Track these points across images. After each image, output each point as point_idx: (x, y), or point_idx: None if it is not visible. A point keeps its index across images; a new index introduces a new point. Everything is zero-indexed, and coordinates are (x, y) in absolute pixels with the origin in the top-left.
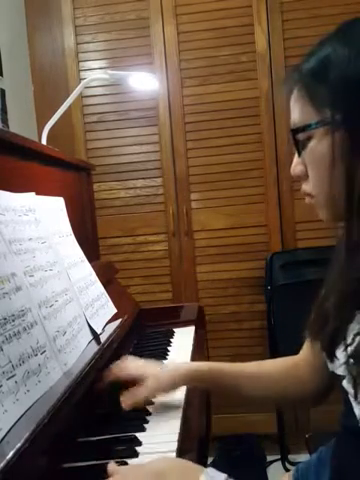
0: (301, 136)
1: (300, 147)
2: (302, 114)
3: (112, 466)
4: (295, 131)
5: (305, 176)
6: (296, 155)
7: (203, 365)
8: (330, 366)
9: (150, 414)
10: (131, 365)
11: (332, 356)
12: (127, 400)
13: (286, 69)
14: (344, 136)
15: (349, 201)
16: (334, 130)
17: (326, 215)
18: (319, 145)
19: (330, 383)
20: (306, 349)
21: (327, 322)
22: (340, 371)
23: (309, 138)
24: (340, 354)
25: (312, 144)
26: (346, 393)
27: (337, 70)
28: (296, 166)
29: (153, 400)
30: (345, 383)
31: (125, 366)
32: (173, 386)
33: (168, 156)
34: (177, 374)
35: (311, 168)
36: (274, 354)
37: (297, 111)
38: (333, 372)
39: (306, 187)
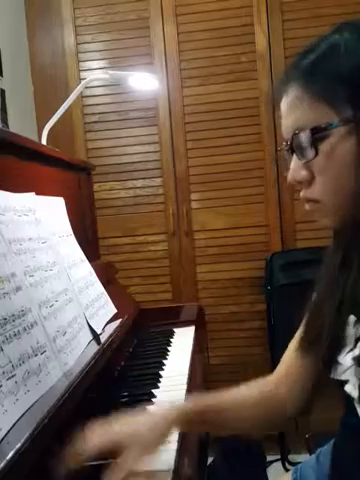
0: (311, 138)
1: (304, 150)
2: (314, 114)
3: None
4: (313, 131)
5: (308, 182)
6: (296, 159)
7: (189, 403)
8: (332, 373)
9: None
10: (97, 436)
11: (333, 363)
12: None
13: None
14: None
15: None
16: (359, 128)
17: (332, 221)
18: (340, 145)
19: (308, 398)
20: (282, 368)
21: (322, 332)
22: (343, 376)
23: (322, 139)
24: (343, 360)
25: (329, 145)
26: (348, 397)
27: (354, 66)
28: (298, 171)
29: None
30: (348, 387)
31: (88, 441)
32: (165, 438)
33: (168, 156)
34: (165, 419)
35: (324, 170)
36: (274, 354)
37: (304, 111)
38: (333, 378)
39: (309, 193)
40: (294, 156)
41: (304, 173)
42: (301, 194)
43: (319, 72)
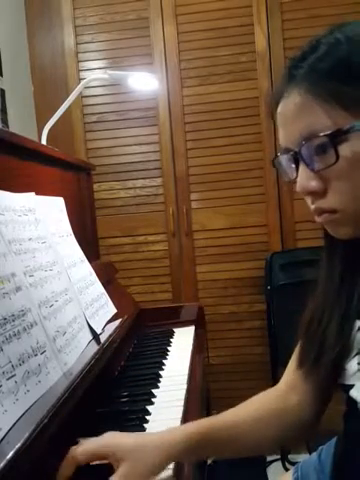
0: (330, 143)
1: (321, 157)
2: (328, 117)
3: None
4: (333, 135)
5: (322, 192)
6: (305, 169)
7: (193, 431)
8: (338, 379)
9: (150, 414)
10: (96, 443)
11: (340, 370)
12: None
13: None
14: None
15: None
16: None
17: (352, 231)
18: None
19: (321, 402)
20: (290, 375)
21: (324, 344)
22: (349, 381)
23: (341, 143)
24: (349, 365)
25: (349, 149)
26: (353, 401)
27: None
28: (309, 181)
29: None
30: (354, 392)
31: (86, 447)
32: (156, 470)
33: (168, 156)
34: (163, 452)
35: (345, 176)
36: (274, 354)
37: (316, 116)
38: (339, 383)
39: (323, 203)
40: (302, 165)
41: (315, 183)
42: (313, 206)
43: (325, 72)
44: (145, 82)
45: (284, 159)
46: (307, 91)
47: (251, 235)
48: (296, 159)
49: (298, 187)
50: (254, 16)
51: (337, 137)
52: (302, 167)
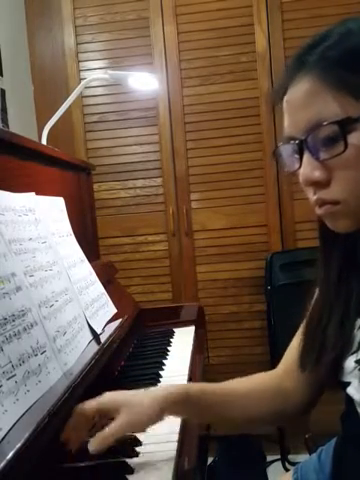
0: (339, 131)
1: (328, 145)
2: (338, 105)
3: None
4: (343, 123)
5: (326, 182)
6: (310, 158)
7: (188, 386)
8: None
9: None
10: (101, 398)
11: (339, 368)
12: (93, 442)
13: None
14: None
15: None
16: None
17: (351, 224)
18: None
19: (315, 392)
20: (287, 361)
21: (325, 344)
22: (346, 378)
23: (350, 132)
24: (346, 362)
25: (357, 137)
26: (350, 399)
27: None
28: (314, 171)
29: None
30: (351, 390)
31: (89, 403)
32: (153, 417)
33: (168, 156)
34: (157, 400)
35: (352, 166)
36: (274, 354)
37: (327, 103)
38: (338, 381)
39: (327, 194)
40: (306, 155)
41: (320, 173)
42: (315, 197)
43: (336, 60)
44: (145, 82)
45: (287, 149)
46: (318, 78)
47: (251, 235)
48: (301, 148)
49: (301, 177)
50: (254, 16)
51: (347, 125)
52: (307, 156)
